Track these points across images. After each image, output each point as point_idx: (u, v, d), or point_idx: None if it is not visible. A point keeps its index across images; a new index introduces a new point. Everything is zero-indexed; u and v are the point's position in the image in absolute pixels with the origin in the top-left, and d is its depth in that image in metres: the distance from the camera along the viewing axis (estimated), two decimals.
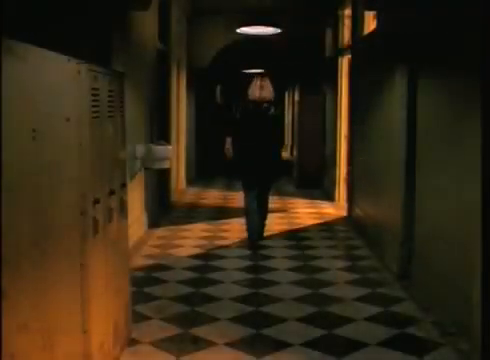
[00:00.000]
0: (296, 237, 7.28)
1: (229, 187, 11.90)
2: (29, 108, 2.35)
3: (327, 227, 7.95)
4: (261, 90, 6.72)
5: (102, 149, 3.27)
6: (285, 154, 18.79)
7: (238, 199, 9.75)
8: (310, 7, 11.03)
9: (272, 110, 6.78)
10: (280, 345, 4.00)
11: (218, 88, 19.72)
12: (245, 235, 6.99)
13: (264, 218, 7.01)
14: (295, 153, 12.47)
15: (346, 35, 9.46)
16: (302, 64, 12.70)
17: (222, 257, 6.30)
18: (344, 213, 8.73)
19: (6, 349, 2.12)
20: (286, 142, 21.87)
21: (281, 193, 11.01)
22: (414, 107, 5.30)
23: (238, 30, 10.66)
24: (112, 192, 3.44)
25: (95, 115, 3.10)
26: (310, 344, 4.01)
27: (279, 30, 10.64)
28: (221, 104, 18.67)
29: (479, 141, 3.57)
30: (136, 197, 6.88)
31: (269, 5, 10.53)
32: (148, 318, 4.45)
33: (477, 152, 3.64)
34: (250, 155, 6.73)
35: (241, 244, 6.87)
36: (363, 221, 7.38)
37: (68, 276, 2.81)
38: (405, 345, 4.00)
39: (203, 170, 13.51)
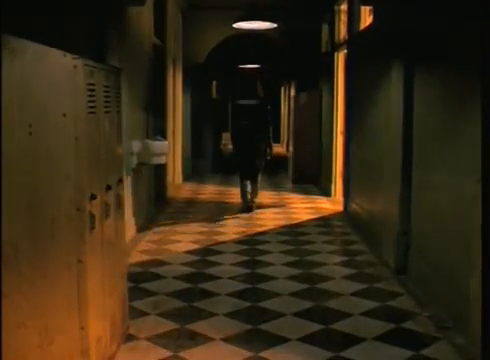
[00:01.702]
0: (293, 232, 7.29)
1: (225, 182, 11.89)
2: (26, 103, 2.34)
3: (324, 222, 7.95)
4: (255, 86, 8.30)
5: (98, 144, 3.26)
6: (281, 149, 18.78)
7: (234, 194, 9.76)
8: (306, 2, 11.01)
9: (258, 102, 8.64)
10: (277, 340, 4.00)
11: (214, 83, 19.68)
12: (242, 229, 7.30)
13: (256, 186, 8.60)
14: (291, 149, 12.46)
15: (342, 30, 9.44)
16: (298, 59, 12.68)
17: (219, 252, 6.29)
18: (341, 208, 8.73)
19: (5, 347, 2.11)
20: (282, 138, 21.86)
21: (277, 188, 11.01)
22: (411, 102, 5.30)
23: (234, 25, 10.63)
24: (109, 187, 3.43)
25: (91, 110, 3.08)
26: (307, 339, 4.01)
27: (275, 25, 10.61)
28: (217, 99, 18.65)
29: (476, 135, 3.56)
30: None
31: (265, 0, 10.49)
32: (145, 314, 4.44)
33: (474, 146, 3.64)
34: (243, 139, 8.48)
35: (238, 239, 6.89)
36: (360, 216, 7.39)
37: (65, 272, 2.80)
38: (402, 340, 4.00)
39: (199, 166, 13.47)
